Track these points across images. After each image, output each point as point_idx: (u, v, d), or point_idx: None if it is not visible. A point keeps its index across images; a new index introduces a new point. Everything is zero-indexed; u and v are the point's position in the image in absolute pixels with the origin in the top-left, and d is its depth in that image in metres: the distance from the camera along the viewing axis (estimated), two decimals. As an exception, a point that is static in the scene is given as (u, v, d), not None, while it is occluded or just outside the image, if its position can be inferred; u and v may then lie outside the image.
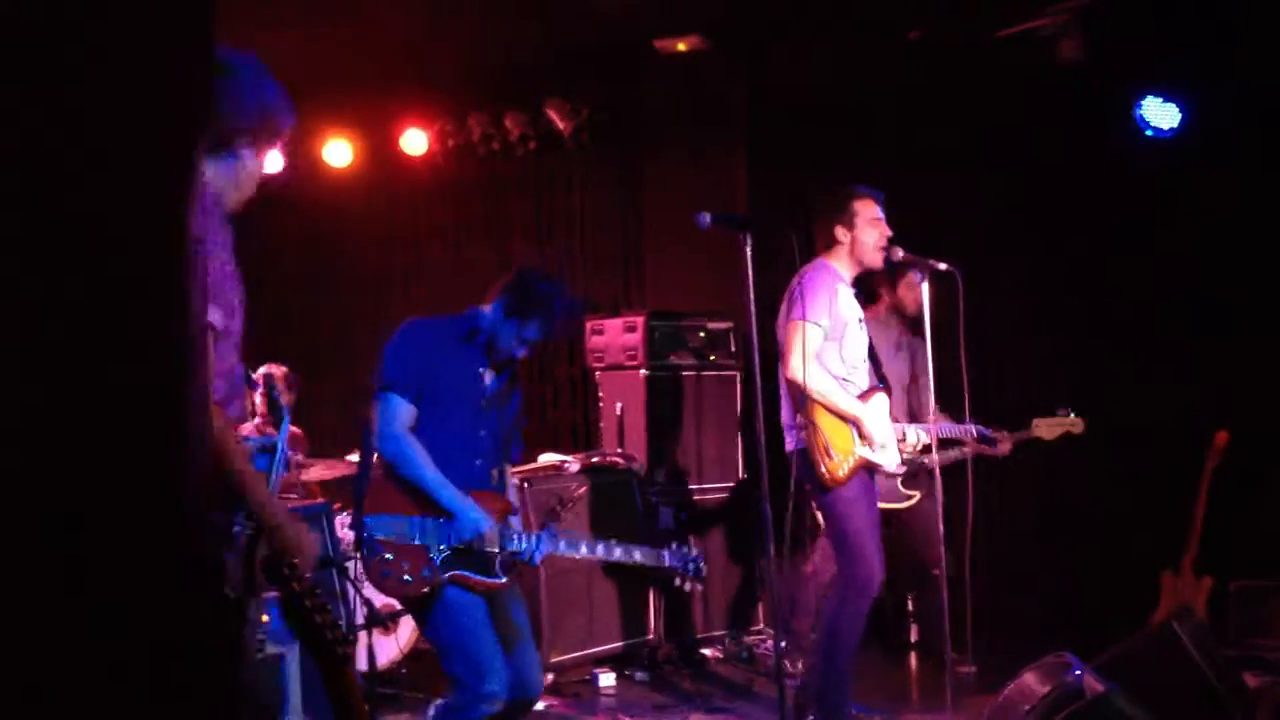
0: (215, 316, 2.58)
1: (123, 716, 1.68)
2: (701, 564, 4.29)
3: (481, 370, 4.08)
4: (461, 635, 3.84)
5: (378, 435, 3.89)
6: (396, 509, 3.89)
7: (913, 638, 6.69)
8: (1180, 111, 6.32)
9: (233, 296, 2.71)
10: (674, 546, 4.29)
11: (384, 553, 3.83)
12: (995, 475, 6.25)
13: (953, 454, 5.89)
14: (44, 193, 1.70)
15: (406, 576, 3.83)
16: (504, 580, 3.97)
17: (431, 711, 3.91)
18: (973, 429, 5.49)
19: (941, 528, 5.00)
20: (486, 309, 4.11)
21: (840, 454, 4.84)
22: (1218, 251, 6.38)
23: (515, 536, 3.99)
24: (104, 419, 1.70)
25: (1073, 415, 5.90)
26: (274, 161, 2.86)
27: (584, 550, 4.22)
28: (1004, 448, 5.89)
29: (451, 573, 3.87)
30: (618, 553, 4.23)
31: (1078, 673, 3.93)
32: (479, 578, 3.92)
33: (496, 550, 3.93)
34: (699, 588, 4.36)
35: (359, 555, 3.86)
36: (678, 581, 4.30)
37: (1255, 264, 6.28)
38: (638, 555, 4.23)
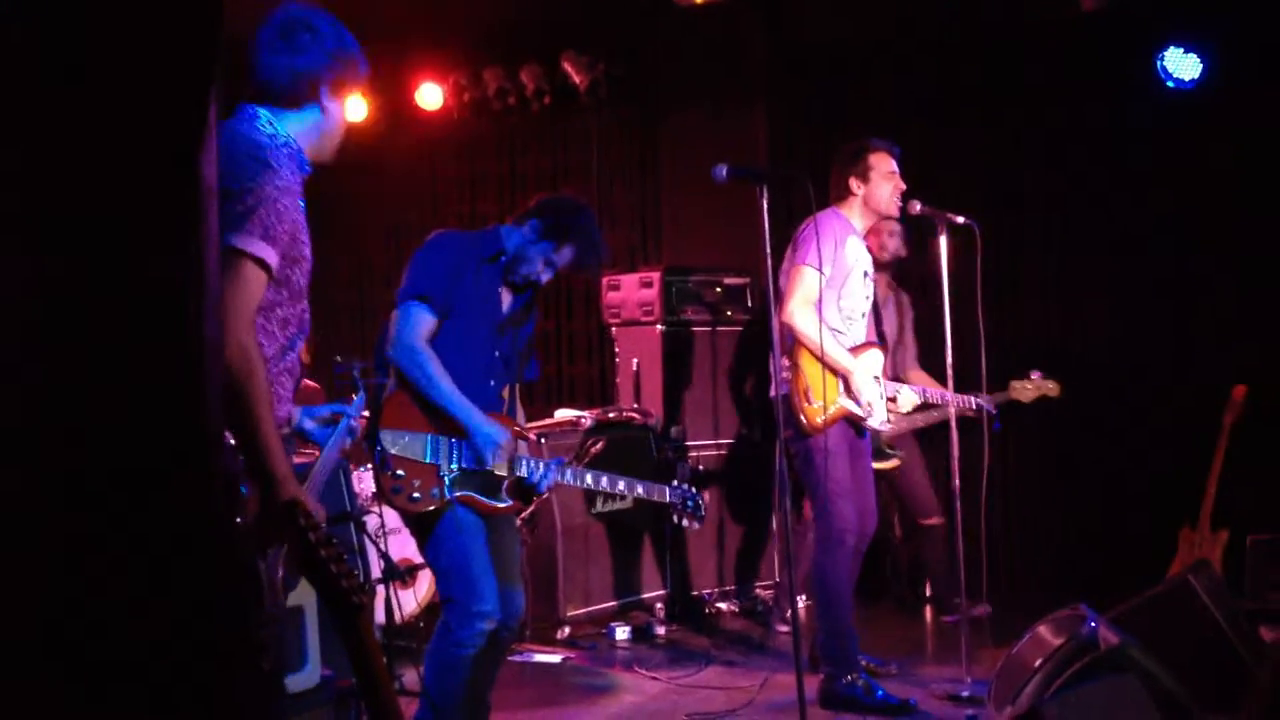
0: (273, 259, 2.63)
1: (138, 643, 1.69)
2: (701, 502, 4.40)
3: (500, 290, 4.08)
4: (461, 555, 3.86)
5: (395, 344, 3.88)
6: (412, 425, 3.89)
7: (927, 591, 6.72)
8: (1202, 63, 6.24)
9: (301, 248, 2.74)
10: (674, 484, 4.39)
11: (395, 469, 3.86)
12: (1011, 428, 6.24)
13: (935, 415, 5.87)
14: (52, 145, 1.70)
15: (416, 494, 3.86)
16: (509, 504, 4.00)
17: (433, 636, 3.93)
18: (973, 401, 5.41)
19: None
20: (513, 228, 4.09)
21: (820, 399, 4.83)
22: (1237, 205, 6.32)
23: (523, 461, 4.00)
24: (115, 370, 1.70)
25: (1045, 379, 5.82)
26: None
27: (589, 481, 4.29)
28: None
29: (460, 493, 3.89)
30: (621, 485, 4.33)
31: (1093, 625, 3.93)
32: (486, 500, 3.94)
33: (505, 473, 3.95)
34: (697, 525, 4.47)
35: (371, 467, 3.86)
36: (676, 518, 4.41)
37: (1274, 217, 6.23)
38: (640, 489, 4.34)
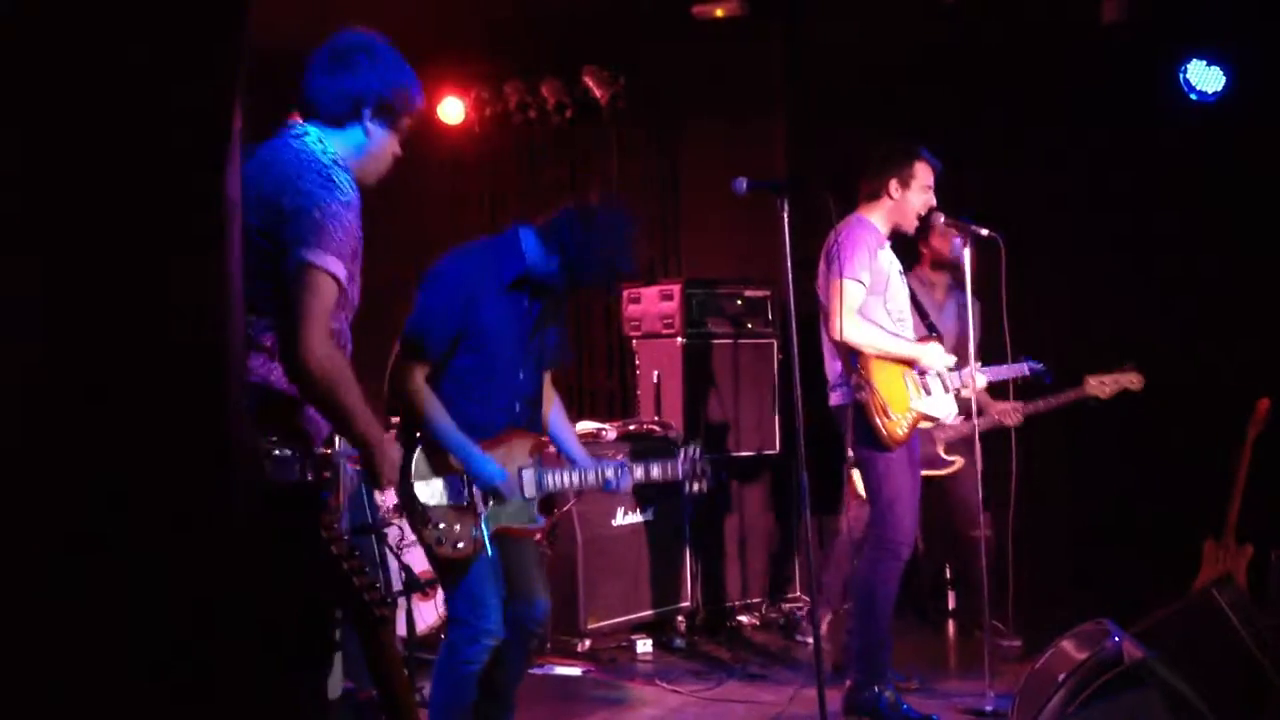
0: (342, 274, 2.73)
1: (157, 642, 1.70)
2: (706, 469, 4.45)
3: (528, 305, 3.96)
4: (469, 578, 3.83)
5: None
6: (439, 470, 3.85)
7: (950, 605, 6.67)
8: (1225, 75, 6.22)
9: (357, 265, 2.84)
10: (681, 452, 4.46)
11: (436, 521, 3.80)
12: (1036, 441, 6.20)
13: (986, 421, 5.82)
14: (83, 159, 1.71)
15: (460, 543, 3.81)
16: (543, 523, 4.02)
17: (438, 655, 3.93)
18: (1024, 366, 5.40)
19: (981, 493, 5.00)
20: (537, 239, 3.92)
21: (899, 412, 4.83)
22: (1262, 217, 6.29)
23: (548, 476, 4.01)
24: (149, 378, 1.72)
25: (1126, 371, 5.70)
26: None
27: (608, 475, 4.20)
28: (1014, 418, 5.76)
29: (496, 526, 3.85)
30: (638, 473, 4.32)
31: (1116, 640, 3.90)
32: (520, 525, 3.94)
33: (533, 494, 3.96)
34: (707, 486, 4.51)
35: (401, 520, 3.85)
36: (686, 487, 4.46)
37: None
38: (655, 471, 4.37)
